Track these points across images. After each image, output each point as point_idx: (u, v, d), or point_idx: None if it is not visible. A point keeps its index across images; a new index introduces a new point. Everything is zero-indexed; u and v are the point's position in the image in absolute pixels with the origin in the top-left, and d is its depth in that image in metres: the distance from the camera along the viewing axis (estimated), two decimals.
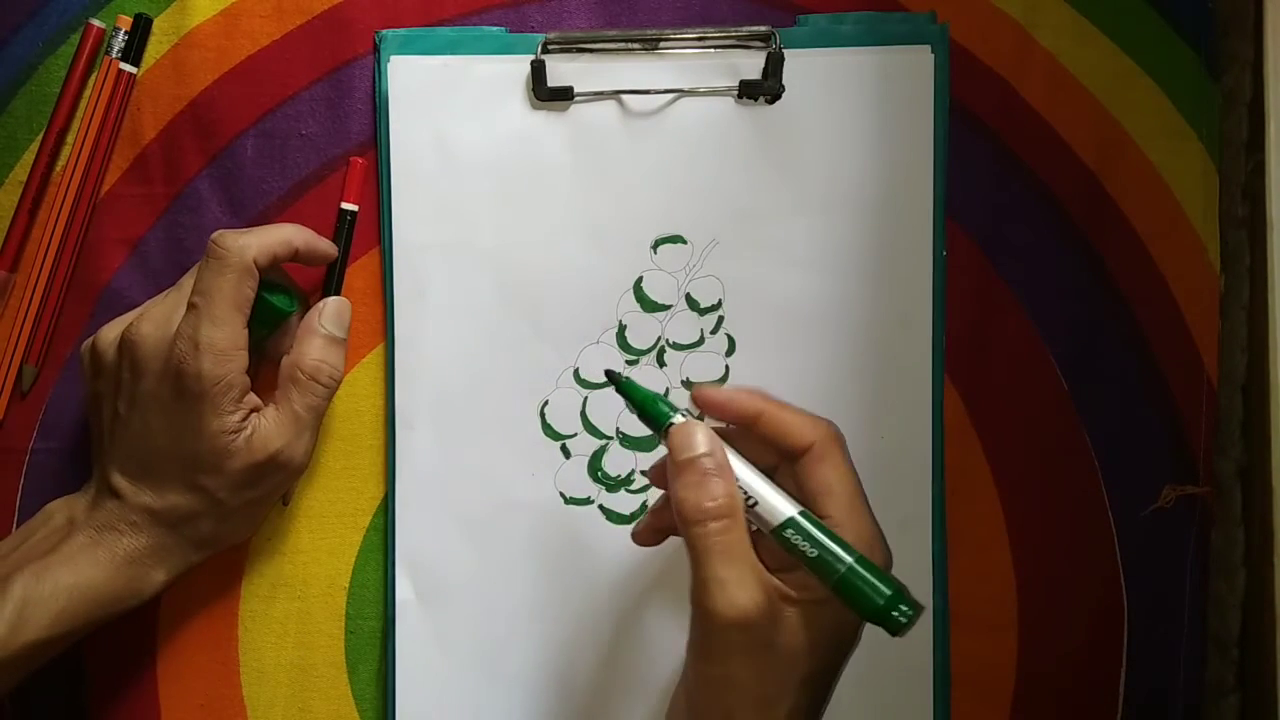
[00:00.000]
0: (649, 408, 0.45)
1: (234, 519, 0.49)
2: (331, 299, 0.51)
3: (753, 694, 0.41)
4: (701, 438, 0.43)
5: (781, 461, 0.45)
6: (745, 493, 0.43)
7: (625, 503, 0.53)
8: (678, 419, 0.44)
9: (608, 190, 0.52)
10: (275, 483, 0.49)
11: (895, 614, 0.40)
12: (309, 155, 0.52)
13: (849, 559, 0.41)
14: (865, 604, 0.41)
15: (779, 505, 0.42)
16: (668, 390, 0.53)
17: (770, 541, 0.43)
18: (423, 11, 0.52)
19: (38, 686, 0.48)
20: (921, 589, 0.52)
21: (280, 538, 0.53)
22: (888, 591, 0.41)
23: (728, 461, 0.43)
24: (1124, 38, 0.53)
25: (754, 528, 0.43)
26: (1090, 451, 0.53)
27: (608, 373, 0.46)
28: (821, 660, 0.42)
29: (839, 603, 0.41)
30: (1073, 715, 0.53)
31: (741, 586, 0.40)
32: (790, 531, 0.42)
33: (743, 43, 0.52)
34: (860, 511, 0.43)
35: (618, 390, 0.46)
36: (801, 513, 0.42)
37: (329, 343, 0.50)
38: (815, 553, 0.41)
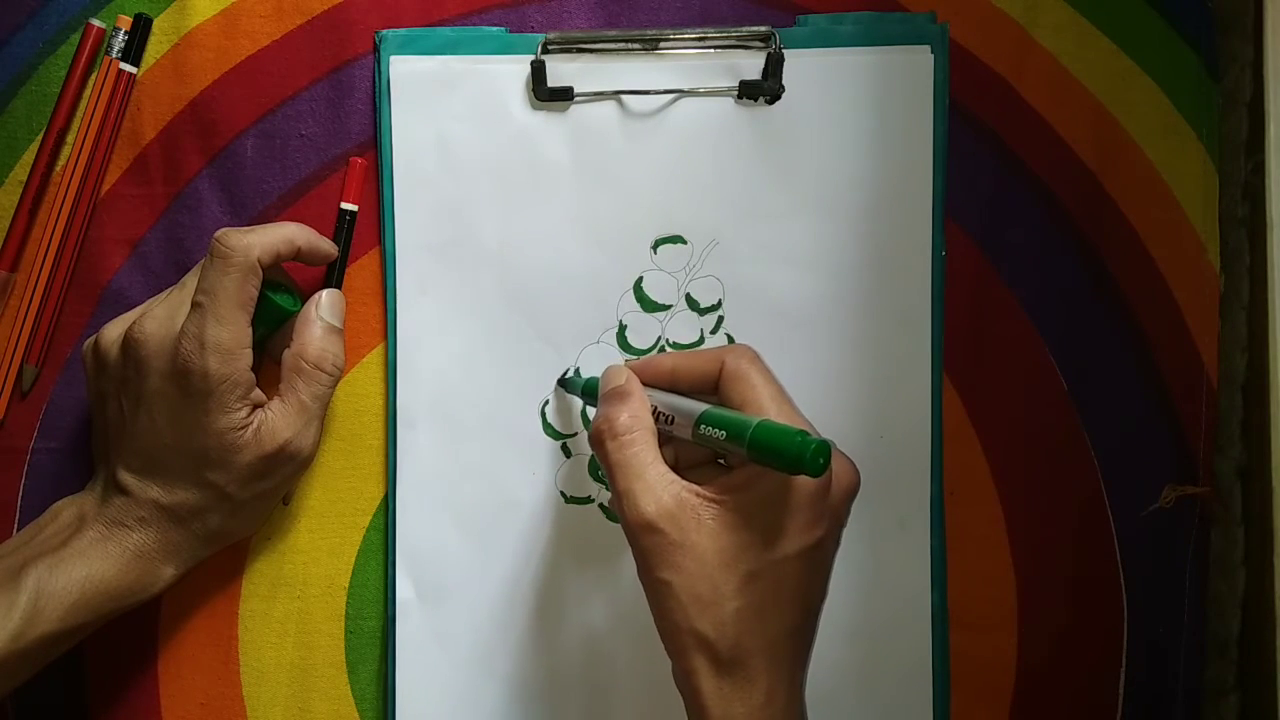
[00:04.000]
0: (590, 387, 0.50)
1: (242, 513, 0.50)
2: (326, 291, 0.51)
3: (686, 596, 0.42)
4: (612, 374, 0.48)
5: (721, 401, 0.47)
6: (665, 415, 0.46)
7: None
8: None
9: (608, 190, 0.52)
10: (284, 474, 0.50)
11: (808, 453, 0.41)
12: (309, 155, 0.53)
13: (754, 421, 0.43)
14: (779, 454, 0.41)
15: (689, 409, 0.45)
16: None
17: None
18: (423, 11, 0.52)
19: (38, 686, 0.48)
20: (921, 589, 0.52)
21: (280, 537, 0.53)
22: (795, 435, 0.41)
23: (638, 392, 0.47)
24: (1124, 38, 0.53)
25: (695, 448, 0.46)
26: (1090, 451, 0.53)
27: (559, 381, 0.52)
28: (760, 558, 0.43)
29: (764, 493, 0.43)
30: (1072, 715, 0.53)
31: (645, 494, 0.43)
32: (703, 427, 0.44)
33: (743, 43, 0.52)
34: (787, 414, 0.45)
35: (568, 390, 0.52)
36: (709, 408, 0.45)
37: (329, 332, 0.50)
38: (725, 433, 0.43)
